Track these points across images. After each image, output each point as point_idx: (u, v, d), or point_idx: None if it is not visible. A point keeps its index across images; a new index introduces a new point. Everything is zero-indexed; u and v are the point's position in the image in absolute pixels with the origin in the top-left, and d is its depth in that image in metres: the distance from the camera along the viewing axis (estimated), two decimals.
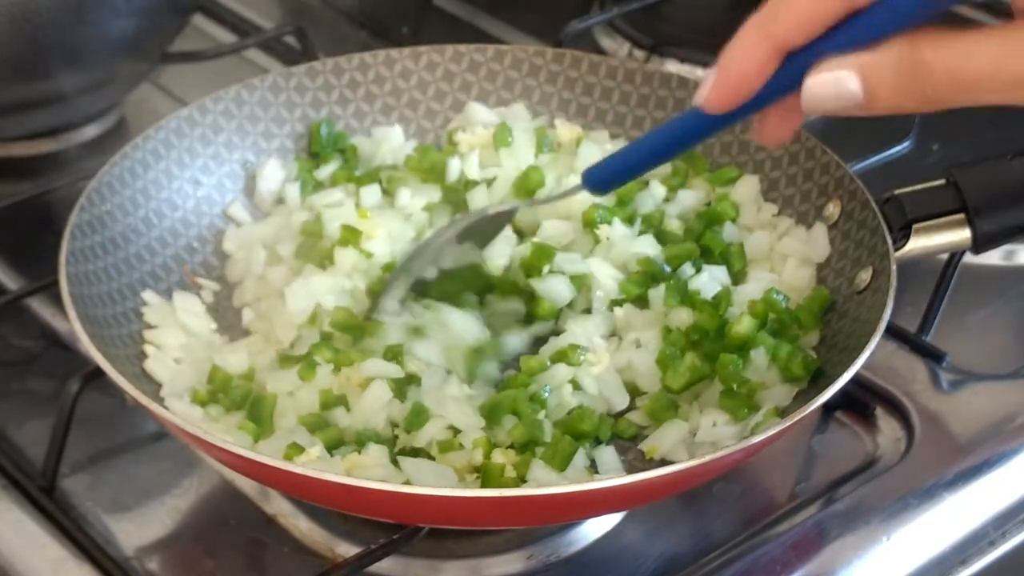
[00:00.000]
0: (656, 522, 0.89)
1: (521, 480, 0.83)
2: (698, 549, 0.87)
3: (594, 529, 0.88)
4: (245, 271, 1.00)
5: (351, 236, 0.97)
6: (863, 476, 0.92)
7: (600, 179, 0.89)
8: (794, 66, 0.71)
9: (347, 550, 0.86)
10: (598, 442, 0.89)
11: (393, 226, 1.00)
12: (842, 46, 0.69)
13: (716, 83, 0.73)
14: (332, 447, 0.85)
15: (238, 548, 0.88)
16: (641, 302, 0.96)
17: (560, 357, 0.91)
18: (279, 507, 0.89)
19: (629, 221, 0.99)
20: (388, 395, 0.87)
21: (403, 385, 0.88)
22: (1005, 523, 0.89)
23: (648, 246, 0.98)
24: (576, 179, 1.02)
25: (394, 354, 0.89)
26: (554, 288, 0.95)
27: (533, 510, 0.78)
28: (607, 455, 0.88)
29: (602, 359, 0.91)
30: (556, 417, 0.88)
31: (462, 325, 0.92)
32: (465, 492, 0.79)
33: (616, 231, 0.98)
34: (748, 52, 0.72)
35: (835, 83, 0.69)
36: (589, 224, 0.98)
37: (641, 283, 0.96)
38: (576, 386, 0.90)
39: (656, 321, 0.94)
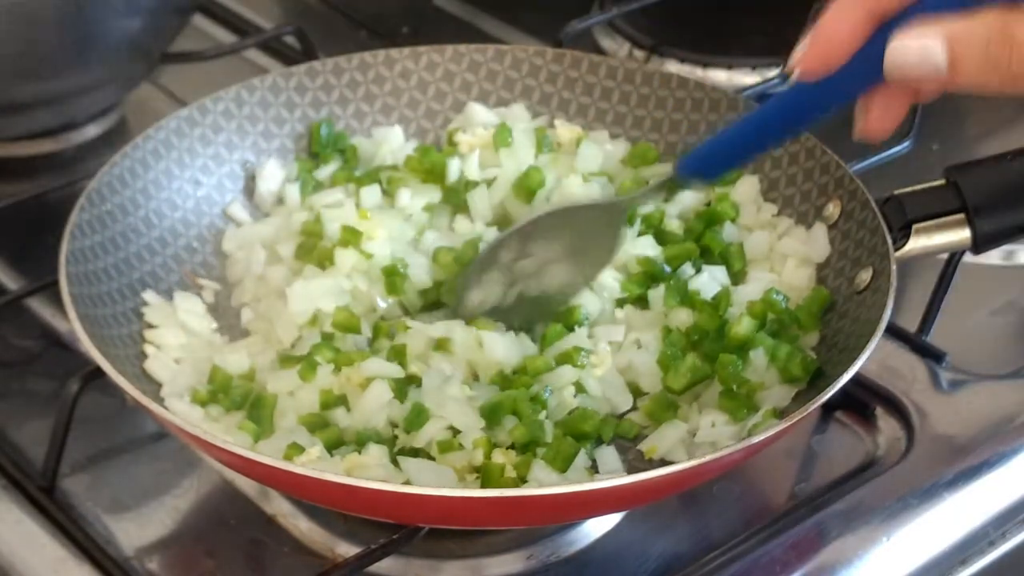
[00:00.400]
0: (656, 522, 0.89)
1: (521, 480, 0.83)
2: (698, 549, 0.87)
3: (594, 529, 0.88)
4: (244, 271, 1.00)
5: (351, 237, 0.97)
6: (863, 476, 0.91)
7: (696, 168, 0.85)
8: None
9: (347, 550, 0.86)
10: (599, 442, 0.89)
11: (393, 226, 0.99)
12: (934, 9, 0.66)
13: (810, 46, 0.72)
14: (332, 447, 0.85)
15: (238, 548, 0.88)
16: (641, 302, 0.96)
17: (564, 359, 0.90)
18: (279, 507, 0.89)
19: (629, 221, 0.99)
20: (388, 395, 0.87)
21: (403, 385, 0.88)
22: (1005, 523, 0.89)
23: (648, 247, 0.98)
24: (577, 179, 1.02)
25: (397, 354, 0.89)
26: (587, 301, 0.94)
27: (533, 510, 0.78)
28: (608, 455, 0.87)
29: (604, 360, 0.91)
30: (557, 417, 0.88)
31: (504, 349, 0.91)
32: (465, 492, 0.79)
33: None
34: (842, 15, 0.70)
35: (920, 50, 0.66)
36: None
37: (641, 283, 0.96)
38: (580, 388, 0.90)
39: (656, 322, 0.94)
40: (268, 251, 1.00)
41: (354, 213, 1.00)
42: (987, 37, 0.65)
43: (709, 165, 0.86)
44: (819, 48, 0.72)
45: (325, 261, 0.97)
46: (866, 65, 0.72)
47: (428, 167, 1.04)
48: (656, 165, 1.05)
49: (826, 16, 0.72)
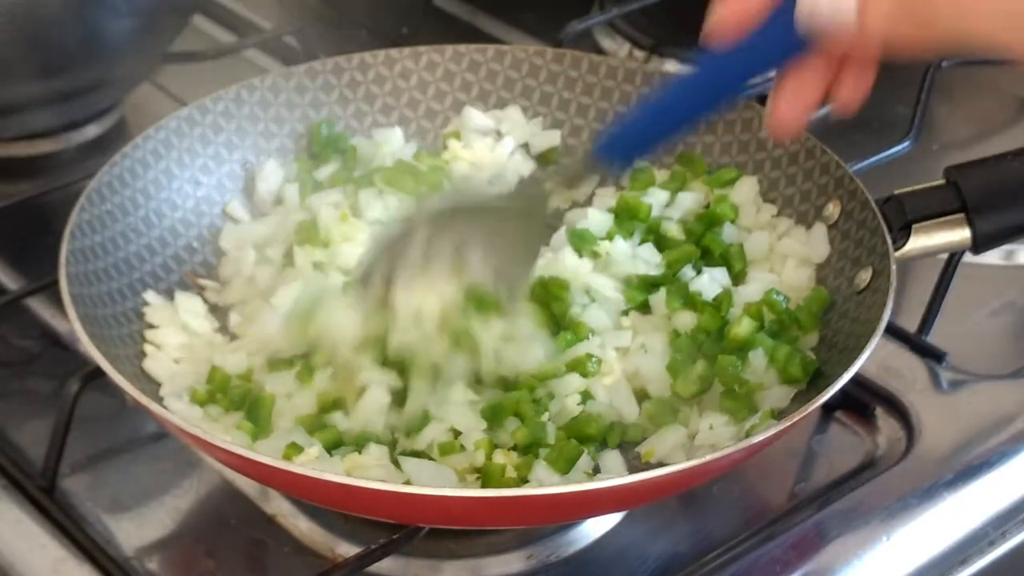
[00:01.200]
0: (656, 522, 0.89)
1: (522, 481, 0.83)
2: (698, 549, 0.87)
3: (594, 529, 0.88)
4: (235, 271, 0.99)
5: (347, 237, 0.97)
6: (863, 476, 0.92)
7: (615, 156, 0.83)
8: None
9: (347, 550, 0.86)
10: (604, 446, 0.88)
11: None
12: None
13: (720, 9, 0.73)
14: (331, 447, 0.85)
15: (238, 548, 0.88)
16: (645, 307, 0.96)
17: (575, 366, 0.90)
18: (279, 507, 0.89)
19: (628, 233, 0.99)
20: (386, 399, 0.86)
21: (401, 393, 0.87)
22: (1005, 523, 0.89)
23: (649, 254, 0.97)
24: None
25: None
26: (592, 317, 0.94)
27: (533, 510, 0.78)
28: (612, 459, 0.87)
29: (613, 369, 0.91)
30: (560, 422, 0.88)
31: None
32: (465, 492, 0.79)
33: (617, 247, 0.97)
34: None
35: None
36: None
37: (643, 289, 0.96)
38: (587, 396, 0.89)
39: (660, 325, 0.94)
40: (258, 252, 0.99)
41: (351, 214, 1.00)
42: None
43: (628, 147, 0.83)
44: (730, 10, 0.73)
45: (324, 261, 0.97)
46: (779, 32, 0.72)
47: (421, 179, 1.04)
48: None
49: None
